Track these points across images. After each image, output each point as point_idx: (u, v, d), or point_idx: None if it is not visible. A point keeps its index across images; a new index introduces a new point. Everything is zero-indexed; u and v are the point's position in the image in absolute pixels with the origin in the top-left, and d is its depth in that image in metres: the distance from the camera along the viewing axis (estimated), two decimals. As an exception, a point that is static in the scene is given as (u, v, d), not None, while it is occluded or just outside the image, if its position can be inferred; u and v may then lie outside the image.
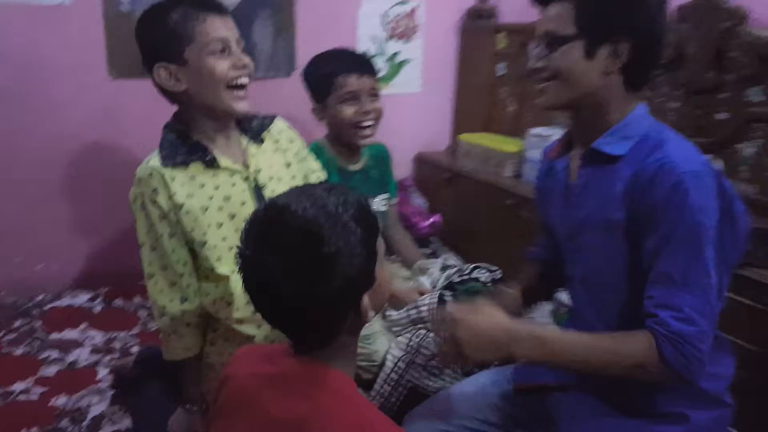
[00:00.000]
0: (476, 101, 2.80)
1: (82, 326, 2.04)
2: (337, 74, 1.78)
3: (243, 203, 1.35)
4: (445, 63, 2.84)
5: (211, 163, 1.32)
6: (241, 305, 1.35)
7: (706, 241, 1.02)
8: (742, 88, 1.90)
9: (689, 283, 1.01)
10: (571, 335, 1.14)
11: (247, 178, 1.37)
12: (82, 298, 2.18)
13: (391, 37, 2.67)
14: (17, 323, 2.01)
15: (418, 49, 2.75)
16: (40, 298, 2.12)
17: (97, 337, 2.00)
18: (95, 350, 1.93)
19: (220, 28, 1.28)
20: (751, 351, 1.29)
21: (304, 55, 2.46)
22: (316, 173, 1.58)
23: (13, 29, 2.01)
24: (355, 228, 0.86)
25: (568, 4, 1.09)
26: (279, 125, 1.49)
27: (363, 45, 2.59)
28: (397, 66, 2.72)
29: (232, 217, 1.34)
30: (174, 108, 1.39)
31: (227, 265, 1.34)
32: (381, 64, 2.67)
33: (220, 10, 1.30)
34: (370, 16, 2.59)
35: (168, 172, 1.29)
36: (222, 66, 1.27)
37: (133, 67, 2.18)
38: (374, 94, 1.83)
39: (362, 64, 1.84)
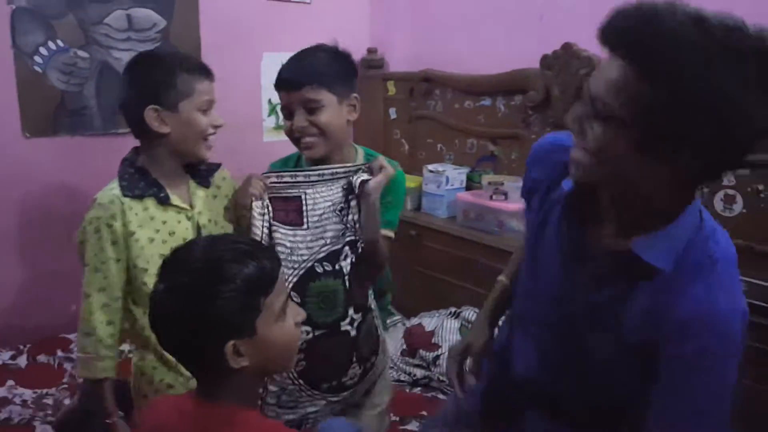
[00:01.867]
0: (373, 142, 3.05)
1: (9, 383, 2.03)
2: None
3: (184, 239, 1.49)
4: (341, 108, 3.10)
5: (164, 200, 1.49)
6: None
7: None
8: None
9: None
10: None
11: (190, 218, 1.53)
12: (5, 356, 2.17)
13: (291, 86, 2.88)
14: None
15: (316, 97, 2.98)
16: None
17: (26, 393, 2.00)
18: (26, 407, 1.94)
19: (211, 91, 1.49)
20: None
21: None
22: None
23: None
24: (239, 280, 0.94)
25: (639, 76, 0.83)
26: (222, 173, 1.66)
27: (267, 94, 2.79)
28: (298, 113, 2.94)
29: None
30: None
31: None
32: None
33: (212, 76, 1.51)
34: (271, 68, 2.76)
35: (127, 202, 1.45)
36: (205, 121, 1.48)
37: (44, 122, 2.25)
38: None
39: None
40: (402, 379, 2.25)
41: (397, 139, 2.99)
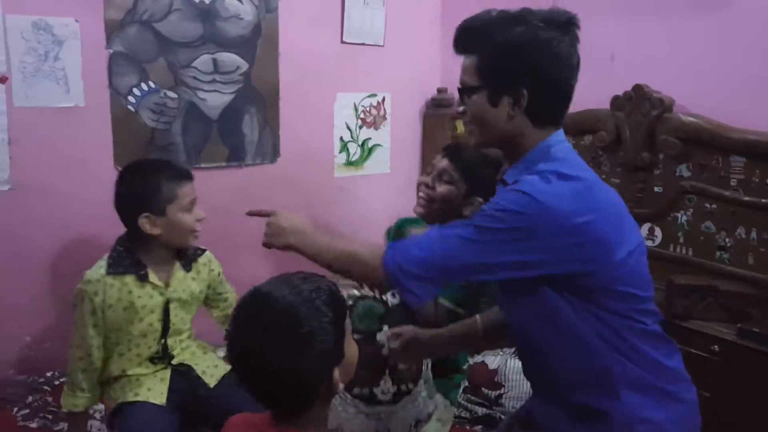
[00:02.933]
0: (440, 179, 3.12)
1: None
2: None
3: (152, 312, 1.78)
4: (410, 146, 3.18)
5: (143, 278, 1.76)
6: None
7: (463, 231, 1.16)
8: (673, 165, 2.26)
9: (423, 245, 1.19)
10: (331, 240, 1.32)
11: (162, 294, 1.79)
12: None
13: (362, 125, 2.99)
14: (30, 399, 2.13)
15: (387, 135, 3.08)
16: (49, 374, 2.24)
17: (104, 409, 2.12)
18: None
19: (192, 192, 1.77)
20: (704, 397, 1.44)
21: (286, 143, 2.76)
22: (224, 295, 2.01)
23: (37, 130, 2.22)
24: (327, 311, 1.00)
25: (474, 57, 1.23)
26: (206, 256, 1.93)
27: (339, 132, 2.91)
28: (368, 150, 3.04)
29: (141, 320, 1.77)
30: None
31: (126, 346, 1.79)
32: (354, 149, 2.98)
33: (191, 178, 1.79)
34: (344, 107, 2.91)
35: (109, 280, 1.73)
36: (190, 219, 1.77)
37: (136, 157, 2.41)
38: None
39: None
40: (463, 416, 2.24)
41: (465, 176, 3.03)
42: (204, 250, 1.93)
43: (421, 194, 1.95)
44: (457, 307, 1.88)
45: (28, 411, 2.08)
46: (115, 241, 1.79)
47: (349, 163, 2.98)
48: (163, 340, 1.82)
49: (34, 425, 2.02)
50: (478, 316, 1.58)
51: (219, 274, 1.98)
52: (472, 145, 1.33)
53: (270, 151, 2.74)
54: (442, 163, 1.91)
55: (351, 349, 1.09)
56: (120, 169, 2.34)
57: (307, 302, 1.00)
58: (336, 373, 1.03)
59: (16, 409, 2.08)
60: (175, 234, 1.76)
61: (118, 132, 2.37)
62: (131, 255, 1.76)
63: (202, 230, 1.81)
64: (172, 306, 1.81)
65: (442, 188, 1.90)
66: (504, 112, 1.21)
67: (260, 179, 2.70)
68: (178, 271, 1.84)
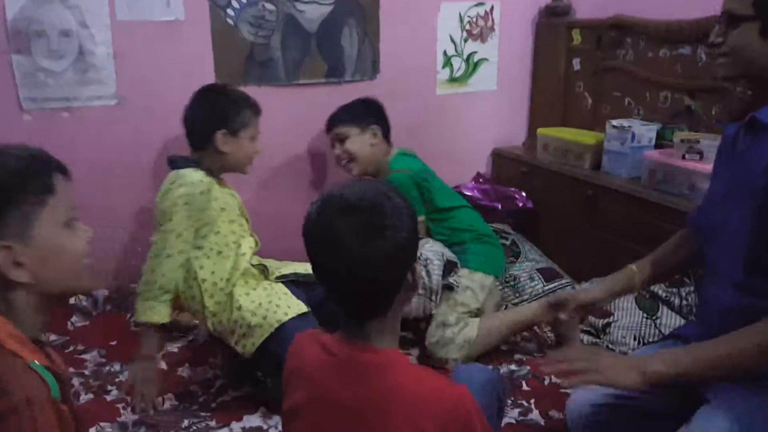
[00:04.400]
0: (552, 96, 2.89)
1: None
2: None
3: (234, 210, 1.93)
4: (520, 60, 2.95)
5: (221, 184, 1.93)
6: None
7: None
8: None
9: None
10: (697, 347, 1.19)
11: (233, 196, 1.96)
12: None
13: (468, 37, 2.79)
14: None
15: (494, 48, 2.86)
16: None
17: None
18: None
19: (258, 125, 1.96)
20: None
21: (386, 59, 2.64)
22: None
23: (140, 44, 2.25)
24: (403, 204, 1.00)
25: None
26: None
27: (442, 46, 2.74)
28: (474, 65, 2.85)
29: (233, 220, 1.90)
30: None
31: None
32: (459, 64, 2.81)
33: (260, 113, 1.97)
34: (448, 18, 2.73)
35: (209, 180, 1.85)
36: (253, 149, 1.95)
37: (236, 72, 2.41)
38: None
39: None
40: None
41: (579, 92, 2.78)
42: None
43: (344, 164, 2.34)
44: None
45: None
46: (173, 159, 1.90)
47: (452, 80, 2.82)
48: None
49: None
50: (634, 266, 1.51)
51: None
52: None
53: (369, 68, 2.63)
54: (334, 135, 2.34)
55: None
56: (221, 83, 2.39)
57: (383, 196, 1.00)
58: (417, 267, 1.02)
59: (130, 315, 2.20)
60: (237, 157, 1.91)
61: (218, 46, 2.35)
62: (199, 165, 1.88)
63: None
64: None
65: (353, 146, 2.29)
66: None
67: (359, 96, 2.61)
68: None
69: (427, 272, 2.05)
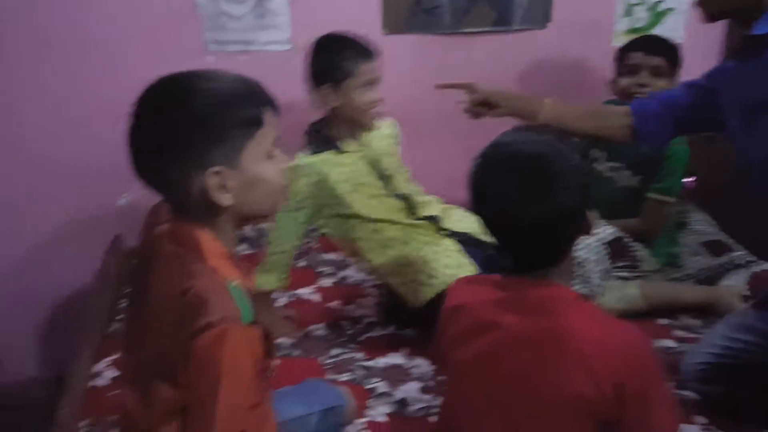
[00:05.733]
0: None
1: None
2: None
3: (365, 174, 1.86)
4: (713, 11, 2.63)
5: (339, 151, 1.84)
6: None
7: None
8: None
9: None
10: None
11: (364, 156, 1.87)
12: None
13: (653, -16, 2.55)
14: (299, 242, 2.36)
15: (683, -4, 2.59)
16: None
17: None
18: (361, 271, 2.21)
19: (372, 72, 1.79)
20: None
21: (559, 5, 2.48)
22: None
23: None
24: (571, 154, 1.01)
25: None
26: (391, 122, 1.98)
27: (625, -6, 2.52)
28: (658, 15, 2.60)
29: (361, 184, 1.85)
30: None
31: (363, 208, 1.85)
32: (642, 14, 2.57)
33: (373, 57, 1.80)
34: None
35: (320, 156, 1.82)
36: (365, 98, 1.79)
37: (402, 20, 2.40)
38: None
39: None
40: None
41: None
42: (384, 118, 1.96)
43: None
44: None
45: (297, 252, 2.29)
46: (309, 126, 1.89)
47: (632, 30, 2.59)
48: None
49: (301, 264, 2.26)
50: (550, 100, 1.73)
51: (398, 134, 2.02)
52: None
53: (540, 16, 2.50)
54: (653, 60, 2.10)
55: None
56: (387, 32, 2.41)
57: (551, 146, 1.02)
58: (589, 215, 1.04)
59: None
60: (349, 109, 1.79)
61: (386, -5, 2.35)
62: (323, 135, 1.85)
63: (379, 111, 1.83)
64: (379, 161, 1.89)
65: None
66: None
67: (527, 47, 2.50)
68: (365, 137, 1.90)
69: (585, 279, 1.93)
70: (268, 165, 1.03)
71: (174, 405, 0.94)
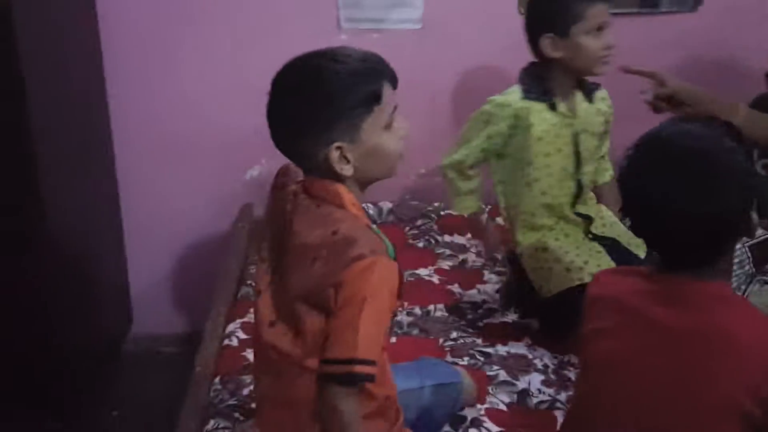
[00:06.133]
0: None
1: (468, 236, 2.27)
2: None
3: (565, 144, 1.71)
4: None
5: (552, 107, 1.69)
6: None
7: None
8: None
9: None
10: None
11: (570, 125, 1.71)
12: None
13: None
14: (419, 222, 2.35)
15: None
16: (436, 205, 2.41)
17: (479, 245, 2.22)
18: (479, 256, 2.18)
19: (602, 15, 1.61)
20: None
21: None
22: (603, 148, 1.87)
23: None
24: (735, 149, 0.97)
25: None
26: (602, 93, 1.80)
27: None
28: (828, -1, 2.35)
29: (558, 150, 1.71)
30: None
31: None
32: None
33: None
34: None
35: (524, 104, 1.69)
36: (596, 44, 1.62)
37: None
38: None
39: None
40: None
41: None
42: (598, 85, 1.79)
43: None
44: None
45: (416, 232, 2.31)
46: (519, 72, 1.74)
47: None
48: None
49: (420, 244, 2.26)
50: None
51: (611, 116, 1.83)
52: None
53: (691, -3, 2.33)
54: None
55: None
56: (522, 12, 2.32)
57: (718, 142, 0.98)
58: (754, 216, 1.01)
59: (407, 228, 2.34)
60: (578, 59, 1.63)
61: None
62: (541, 82, 1.70)
63: (610, 58, 1.66)
64: (580, 140, 1.74)
65: None
66: None
67: (675, 31, 2.34)
68: (582, 103, 1.75)
69: None
70: (386, 136, 1.10)
71: (321, 336, 1.04)
